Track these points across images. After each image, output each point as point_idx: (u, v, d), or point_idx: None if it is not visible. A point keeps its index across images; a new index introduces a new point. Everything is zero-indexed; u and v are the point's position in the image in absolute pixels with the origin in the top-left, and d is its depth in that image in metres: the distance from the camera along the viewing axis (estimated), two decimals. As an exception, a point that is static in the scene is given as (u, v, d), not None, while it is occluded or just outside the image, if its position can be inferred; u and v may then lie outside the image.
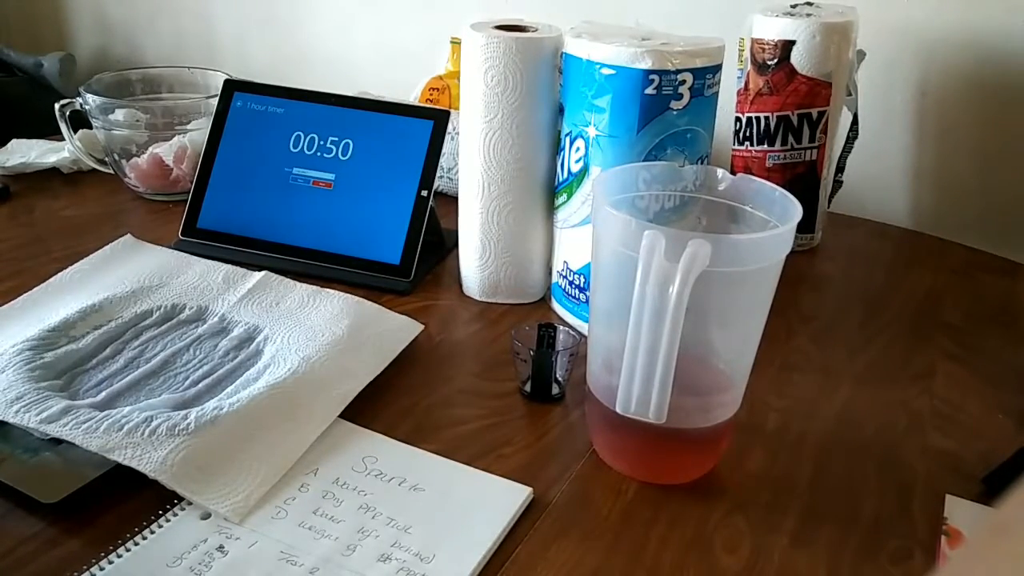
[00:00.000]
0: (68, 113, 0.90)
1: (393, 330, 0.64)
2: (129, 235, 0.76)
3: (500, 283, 0.72)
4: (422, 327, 0.65)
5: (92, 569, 0.43)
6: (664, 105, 0.60)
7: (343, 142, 0.78)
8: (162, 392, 0.56)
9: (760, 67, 0.80)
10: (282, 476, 0.50)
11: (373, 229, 0.75)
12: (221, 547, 0.45)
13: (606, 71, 0.60)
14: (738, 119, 0.83)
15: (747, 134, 0.82)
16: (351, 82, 1.20)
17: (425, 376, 0.62)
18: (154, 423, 0.50)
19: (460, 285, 0.75)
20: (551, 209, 0.70)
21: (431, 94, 1.00)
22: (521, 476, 0.51)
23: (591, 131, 0.63)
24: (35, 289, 0.67)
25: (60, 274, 0.69)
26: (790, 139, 0.81)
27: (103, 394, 0.55)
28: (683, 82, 0.60)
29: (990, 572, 0.19)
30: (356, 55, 1.27)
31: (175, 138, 0.90)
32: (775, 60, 0.78)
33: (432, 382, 0.61)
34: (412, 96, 1.01)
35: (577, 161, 0.65)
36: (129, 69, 0.99)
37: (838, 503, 0.51)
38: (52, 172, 0.96)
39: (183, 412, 0.52)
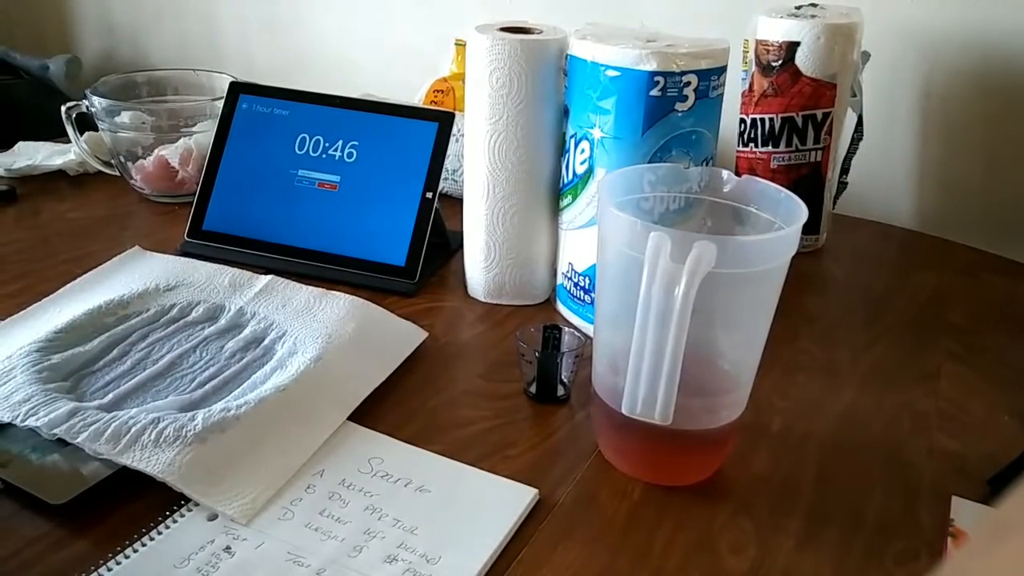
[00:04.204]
0: (74, 115, 0.90)
1: (398, 336, 0.64)
2: (137, 247, 0.76)
3: (505, 285, 0.72)
4: (426, 335, 0.65)
5: (99, 570, 0.43)
6: (669, 107, 0.60)
7: (348, 144, 0.78)
8: (168, 394, 0.56)
9: (765, 68, 0.80)
10: (289, 478, 0.50)
11: (378, 231, 0.75)
12: (228, 548, 0.45)
13: (611, 73, 0.60)
14: (743, 120, 0.83)
15: (752, 135, 0.82)
16: (356, 84, 1.20)
17: (430, 377, 0.62)
18: (161, 425, 0.50)
19: (465, 287, 0.75)
20: (556, 211, 0.70)
21: (436, 96, 1.00)
22: (526, 477, 0.51)
23: (596, 133, 0.63)
24: (44, 300, 0.67)
25: (68, 286, 0.69)
26: (795, 140, 0.81)
27: (110, 396, 0.55)
28: (688, 84, 0.60)
29: (990, 572, 0.19)
30: (361, 57, 1.27)
31: (181, 140, 0.90)
32: (779, 61, 0.78)
33: (437, 383, 0.61)
34: (417, 98, 1.01)
35: (582, 163, 0.65)
36: (135, 71, 0.99)
37: (843, 504, 0.51)
38: (58, 174, 0.96)
39: (190, 414, 0.52)
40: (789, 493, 0.52)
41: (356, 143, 0.78)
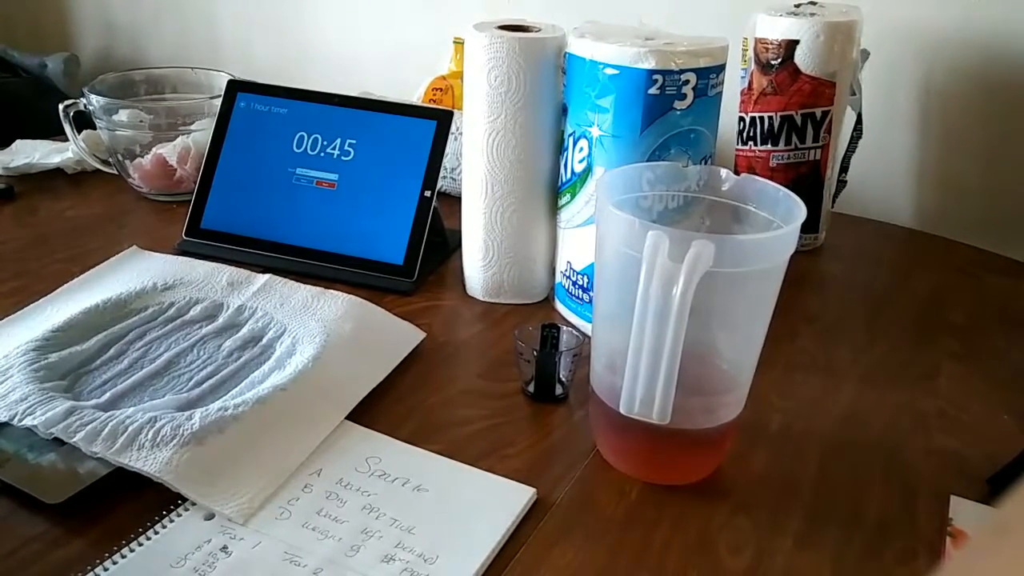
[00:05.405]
0: (72, 114, 0.90)
1: (396, 336, 0.64)
2: (135, 246, 0.76)
3: (503, 283, 0.72)
4: (424, 335, 0.65)
5: (96, 570, 0.43)
6: (668, 105, 0.60)
7: (346, 142, 0.78)
8: (166, 393, 0.56)
9: (764, 67, 0.79)
10: (286, 477, 0.50)
11: (376, 229, 0.75)
12: (225, 548, 0.45)
13: (609, 71, 0.60)
14: (742, 119, 0.83)
15: (751, 134, 0.82)
16: (354, 82, 1.20)
17: (428, 376, 0.62)
18: (158, 424, 0.50)
19: (463, 285, 0.75)
20: (554, 209, 0.70)
21: (434, 94, 1.00)
22: (525, 477, 0.51)
23: (595, 131, 0.63)
24: (41, 299, 0.66)
25: (66, 285, 0.69)
26: (794, 139, 0.81)
27: (107, 395, 0.55)
28: (687, 82, 0.59)
29: (991, 572, 0.19)
30: (359, 55, 1.27)
31: (179, 138, 0.90)
32: (779, 60, 0.78)
33: (435, 382, 0.61)
34: (415, 96, 1.01)
35: (580, 161, 0.65)
36: (133, 70, 0.99)
37: (842, 504, 0.51)
38: (56, 173, 0.96)
39: (187, 413, 0.52)
40: (788, 492, 0.52)
41: (354, 141, 0.77)
